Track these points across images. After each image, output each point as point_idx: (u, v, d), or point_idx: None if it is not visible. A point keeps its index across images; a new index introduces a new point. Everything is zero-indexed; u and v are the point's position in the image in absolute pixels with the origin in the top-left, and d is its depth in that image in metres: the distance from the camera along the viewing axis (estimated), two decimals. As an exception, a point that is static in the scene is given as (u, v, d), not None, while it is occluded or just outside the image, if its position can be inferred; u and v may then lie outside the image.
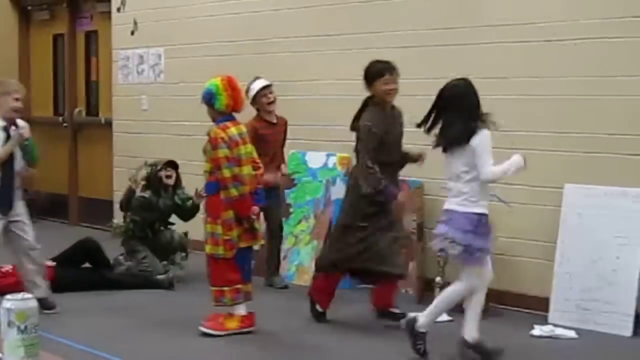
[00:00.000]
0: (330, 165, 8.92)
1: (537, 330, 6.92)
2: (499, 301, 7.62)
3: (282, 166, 8.73)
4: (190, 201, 8.76)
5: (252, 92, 8.31)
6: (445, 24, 8.13)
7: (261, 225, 7.31)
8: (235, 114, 6.99)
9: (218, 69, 9.88)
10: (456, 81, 6.21)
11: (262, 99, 8.33)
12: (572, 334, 6.83)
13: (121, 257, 8.78)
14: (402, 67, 8.24)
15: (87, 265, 8.72)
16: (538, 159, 7.40)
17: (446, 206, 6.17)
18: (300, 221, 8.97)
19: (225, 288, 6.84)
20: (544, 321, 7.12)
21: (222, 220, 6.78)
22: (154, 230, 8.76)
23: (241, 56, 9.74)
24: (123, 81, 11.26)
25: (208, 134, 6.92)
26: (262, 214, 7.70)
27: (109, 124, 11.59)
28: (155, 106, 10.82)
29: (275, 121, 8.49)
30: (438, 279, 7.68)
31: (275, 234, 8.65)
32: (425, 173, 8.10)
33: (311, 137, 9.11)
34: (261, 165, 7.11)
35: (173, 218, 8.96)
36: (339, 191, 8.47)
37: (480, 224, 6.01)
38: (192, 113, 10.24)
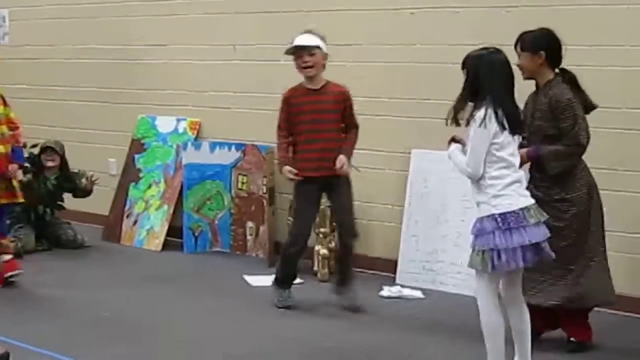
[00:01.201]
0: (180, 130, 8.91)
1: (386, 291, 7.10)
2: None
3: (340, 157, 6.58)
4: (83, 184, 8.71)
5: (289, 50, 6.70)
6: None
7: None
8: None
9: (65, 32, 9.79)
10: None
11: (297, 61, 6.64)
12: (418, 294, 7.05)
13: None
14: (254, 32, 8.34)
15: None
16: (387, 125, 7.59)
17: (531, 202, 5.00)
18: (150, 186, 8.94)
19: None
20: (392, 282, 7.33)
21: None
22: (37, 213, 8.56)
23: (90, 19, 9.59)
24: (-35, 43, 10.95)
25: None
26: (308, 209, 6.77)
27: (-51, 87, 11.26)
28: (-1, 69, 10.57)
29: (317, 88, 6.69)
30: (289, 242, 7.79)
31: (342, 237, 6.79)
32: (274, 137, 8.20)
33: (161, 102, 9.07)
34: (19, 125, 7.19)
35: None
36: (189, 156, 8.51)
37: None
38: (38, 77, 10.10)
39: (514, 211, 4.87)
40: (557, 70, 5.65)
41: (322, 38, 6.66)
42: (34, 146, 8.65)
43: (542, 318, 5.67)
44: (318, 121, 6.61)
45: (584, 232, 5.62)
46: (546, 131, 5.55)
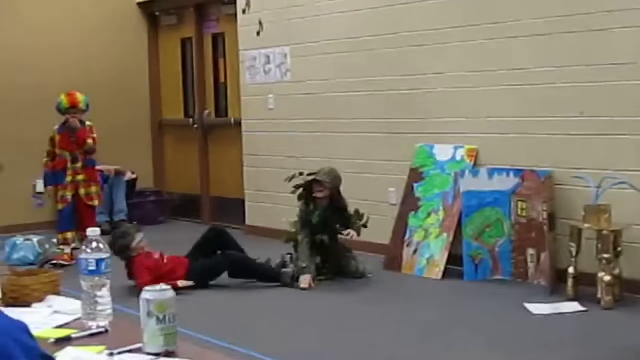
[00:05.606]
0: (458, 157, 8.89)
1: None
2: (633, 291, 7.50)
3: None
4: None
5: None
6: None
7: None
8: None
9: (344, 66, 10.01)
10: None
11: None
12: None
13: (287, 257, 8.69)
14: (528, 56, 8.22)
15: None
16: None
17: None
18: (429, 214, 8.96)
19: None
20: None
21: None
22: (315, 243, 8.59)
23: (367, 52, 9.76)
24: (251, 81, 11.39)
25: None
26: None
27: (238, 124, 11.73)
28: (281, 105, 10.92)
29: None
30: (571, 269, 7.58)
31: None
32: (555, 162, 8.03)
33: (439, 130, 9.09)
34: None
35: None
36: (467, 183, 8.47)
37: None
38: (319, 110, 10.37)
39: None
40: None
41: None
42: (309, 174, 8.77)
43: None
44: None
45: None
46: None
